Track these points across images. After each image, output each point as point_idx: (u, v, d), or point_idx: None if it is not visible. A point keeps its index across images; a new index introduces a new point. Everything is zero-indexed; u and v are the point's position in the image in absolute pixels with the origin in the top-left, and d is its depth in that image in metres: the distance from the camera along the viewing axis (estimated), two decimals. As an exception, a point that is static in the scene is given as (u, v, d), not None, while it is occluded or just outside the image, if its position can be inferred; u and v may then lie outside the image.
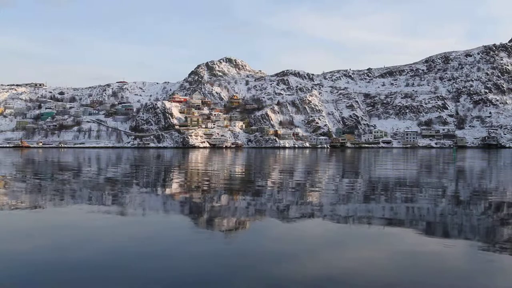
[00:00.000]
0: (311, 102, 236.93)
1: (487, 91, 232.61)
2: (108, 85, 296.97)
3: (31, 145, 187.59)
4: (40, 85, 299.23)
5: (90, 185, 24.32)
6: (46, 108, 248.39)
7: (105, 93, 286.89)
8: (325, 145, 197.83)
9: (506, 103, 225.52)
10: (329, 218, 13.76)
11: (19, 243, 10.65)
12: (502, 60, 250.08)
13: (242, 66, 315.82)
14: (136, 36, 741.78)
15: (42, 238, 11.21)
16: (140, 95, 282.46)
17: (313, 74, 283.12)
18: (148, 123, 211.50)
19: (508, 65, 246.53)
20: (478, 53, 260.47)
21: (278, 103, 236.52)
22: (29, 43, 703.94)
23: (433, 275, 8.06)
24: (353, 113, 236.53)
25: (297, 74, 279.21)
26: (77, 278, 7.89)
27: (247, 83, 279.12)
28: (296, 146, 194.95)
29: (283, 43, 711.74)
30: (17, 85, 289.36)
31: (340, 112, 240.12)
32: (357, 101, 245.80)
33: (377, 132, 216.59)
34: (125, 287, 7.59)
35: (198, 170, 39.68)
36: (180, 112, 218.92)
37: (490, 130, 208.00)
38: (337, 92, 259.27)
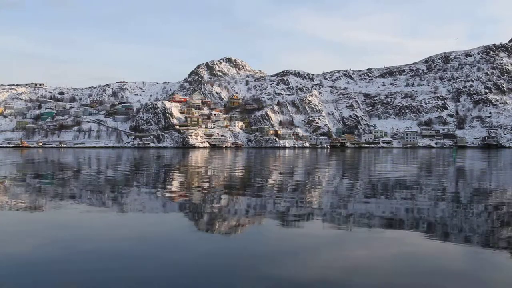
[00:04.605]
0: (311, 102, 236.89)
1: (487, 91, 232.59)
2: (108, 85, 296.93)
3: (31, 145, 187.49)
4: (40, 85, 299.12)
5: (89, 185, 24.32)
6: (46, 108, 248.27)
7: (105, 93, 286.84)
8: (325, 145, 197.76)
9: (506, 103, 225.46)
10: (329, 218, 13.75)
11: (18, 243, 10.64)
12: (502, 60, 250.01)
13: (242, 66, 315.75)
14: (136, 36, 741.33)
15: (40, 238, 11.19)
16: (140, 95, 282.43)
17: (313, 74, 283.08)
18: (148, 123, 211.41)
19: (508, 65, 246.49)
20: (478, 53, 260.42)
21: (278, 103, 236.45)
22: (29, 43, 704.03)
23: (433, 275, 8.05)
24: (353, 113, 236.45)
25: (297, 74, 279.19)
26: (75, 278, 7.88)
27: (247, 83, 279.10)
28: (296, 146, 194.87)
29: (283, 43, 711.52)
30: (17, 85, 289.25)
31: (340, 112, 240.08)
32: (357, 101, 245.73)
33: (377, 132, 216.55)
34: (123, 287, 7.58)
35: (197, 170, 39.66)
36: (180, 112, 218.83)
37: (490, 130, 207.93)
38: (337, 92, 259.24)
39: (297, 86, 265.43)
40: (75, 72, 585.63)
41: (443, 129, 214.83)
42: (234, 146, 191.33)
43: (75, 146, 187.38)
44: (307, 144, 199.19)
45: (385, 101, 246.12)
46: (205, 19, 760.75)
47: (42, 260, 9.11)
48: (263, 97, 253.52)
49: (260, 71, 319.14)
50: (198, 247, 10.11)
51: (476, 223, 12.91)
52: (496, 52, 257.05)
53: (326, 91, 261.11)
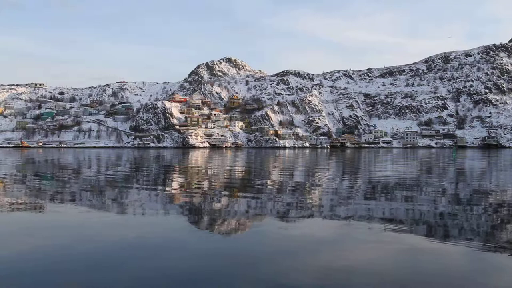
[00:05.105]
0: (311, 102, 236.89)
1: (487, 91, 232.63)
2: (108, 85, 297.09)
3: (31, 145, 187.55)
4: (40, 85, 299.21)
5: (89, 185, 24.31)
6: (46, 108, 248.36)
7: (105, 93, 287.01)
8: (325, 145, 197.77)
9: (506, 103, 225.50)
10: (329, 218, 13.74)
11: (18, 243, 10.63)
12: (502, 60, 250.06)
13: (242, 66, 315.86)
14: (136, 36, 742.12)
15: (40, 238, 11.18)
16: (140, 95, 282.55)
17: (313, 74, 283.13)
18: (148, 123, 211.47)
19: (508, 65, 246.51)
20: (478, 53, 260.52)
21: (278, 103, 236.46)
22: (29, 43, 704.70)
23: (433, 275, 8.05)
24: (353, 113, 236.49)
25: (297, 74, 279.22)
26: (75, 278, 7.88)
27: (247, 83, 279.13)
28: (296, 146, 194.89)
29: (283, 43, 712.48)
30: (17, 85, 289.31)
31: (340, 112, 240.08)
32: (357, 101, 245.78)
33: (377, 132, 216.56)
34: (122, 287, 7.57)
35: (197, 170, 39.66)
36: (180, 112, 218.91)
37: (490, 130, 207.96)
38: (337, 92, 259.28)
39: (297, 86, 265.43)
40: (75, 72, 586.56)
41: (443, 129, 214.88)
42: (234, 146, 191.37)
43: (75, 146, 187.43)
44: (307, 144, 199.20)
45: (385, 101, 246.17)
46: (205, 19, 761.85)
47: (42, 260, 9.10)
48: (263, 97, 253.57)
49: (260, 71, 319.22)
50: (198, 247, 10.10)
51: (476, 223, 12.90)
52: (496, 52, 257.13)
53: (326, 91, 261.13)
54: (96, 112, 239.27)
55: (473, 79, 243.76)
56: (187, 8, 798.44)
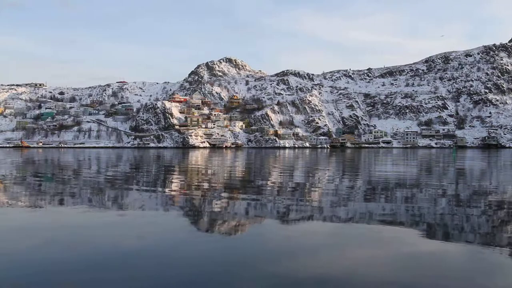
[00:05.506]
0: (311, 102, 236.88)
1: (487, 91, 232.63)
2: (108, 85, 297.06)
3: (31, 145, 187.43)
4: (40, 85, 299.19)
5: (89, 185, 24.32)
6: (46, 108, 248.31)
7: (105, 93, 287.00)
8: (325, 145, 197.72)
9: (506, 103, 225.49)
10: (329, 218, 13.74)
11: (18, 243, 10.64)
12: (502, 60, 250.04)
13: (242, 66, 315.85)
14: (136, 36, 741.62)
15: (40, 238, 11.19)
16: (140, 95, 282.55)
17: (313, 74, 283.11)
18: (148, 123, 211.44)
19: (508, 65, 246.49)
20: (478, 53, 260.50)
21: (278, 103, 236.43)
22: (29, 43, 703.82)
23: (433, 275, 8.05)
24: (353, 113, 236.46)
25: (297, 74, 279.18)
26: (75, 278, 7.88)
27: (247, 83, 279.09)
28: (296, 146, 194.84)
29: (283, 43, 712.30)
30: (17, 85, 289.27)
31: (340, 112, 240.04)
32: (357, 101, 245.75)
33: (377, 132, 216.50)
34: (122, 287, 7.58)
35: (198, 170, 39.67)
36: (180, 112, 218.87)
37: (490, 130, 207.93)
38: (337, 92, 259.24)
39: (297, 86, 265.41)
40: (75, 72, 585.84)
41: (443, 129, 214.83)
42: (234, 146, 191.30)
43: (75, 146, 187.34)
44: (307, 144, 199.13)
45: (385, 101, 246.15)
46: (205, 19, 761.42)
47: (42, 260, 9.11)
48: (263, 97, 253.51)
49: (260, 71, 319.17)
50: (198, 247, 10.10)
51: (476, 224, 12.91)
52: (496, 52, 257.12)
53: (326, 91, 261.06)
54: (96, 112, 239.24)
55: (473, 79, 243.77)
56: (187, 8, 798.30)
